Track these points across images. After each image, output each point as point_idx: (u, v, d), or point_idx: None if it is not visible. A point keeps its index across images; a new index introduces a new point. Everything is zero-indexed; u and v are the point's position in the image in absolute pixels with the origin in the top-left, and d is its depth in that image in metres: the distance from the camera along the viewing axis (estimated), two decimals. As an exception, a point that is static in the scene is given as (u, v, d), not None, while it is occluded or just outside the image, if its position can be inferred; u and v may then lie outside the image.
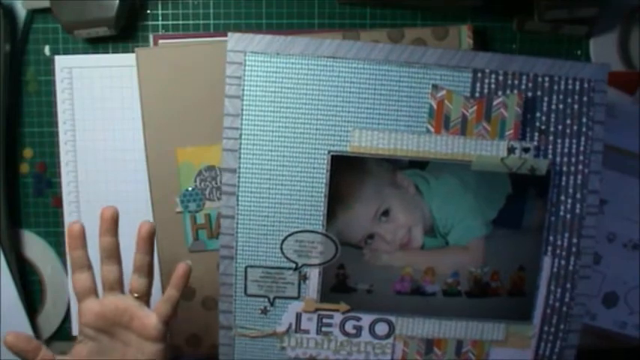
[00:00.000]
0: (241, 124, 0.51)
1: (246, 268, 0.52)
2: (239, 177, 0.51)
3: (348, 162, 0.51)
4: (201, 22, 0.61)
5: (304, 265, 0.52)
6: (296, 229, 0.52)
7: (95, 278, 0.50)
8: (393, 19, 0.61)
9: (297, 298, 0.53)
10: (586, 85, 0.52)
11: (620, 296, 0.62)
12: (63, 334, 0.63)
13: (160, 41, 0.60)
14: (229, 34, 0.50)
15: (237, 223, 0.52)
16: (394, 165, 0.53)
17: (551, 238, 0.53)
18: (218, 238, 0.57)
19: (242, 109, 0.51)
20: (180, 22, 0.61)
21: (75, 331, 0.63)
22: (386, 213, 0.54)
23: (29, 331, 0.62)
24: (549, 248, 0.53)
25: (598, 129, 0.52)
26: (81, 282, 0.49)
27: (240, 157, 0.51)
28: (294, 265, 0.52)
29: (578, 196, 0.53)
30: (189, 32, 0.61)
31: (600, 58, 0.60)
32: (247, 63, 0.50)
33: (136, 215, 0.61)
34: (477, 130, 0.52)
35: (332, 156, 0.51)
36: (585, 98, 0.52)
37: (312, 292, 0.53)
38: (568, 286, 0.53)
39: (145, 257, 0.50)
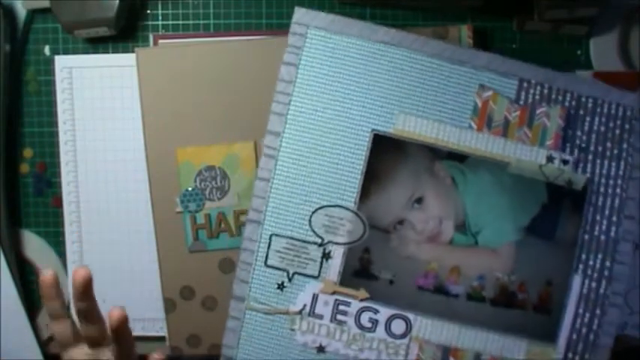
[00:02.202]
0: (292, 91, 0.52)
1: (271, 235, 0.53)
2: (282, 141, 0.52)
3: (390, 143, 0.52)
4: (201, 22, 0.61)
5: (330, 242, 0.52)
6: (327, 203, 0.52)
7: (75, 326, 0.47)
8: (393, 19, 0.61)
9: (317, 277, 0.53)
10: (628, 113, 0.53)
11: (620, 296, 0.62)
12: (63, 334, 0.63)
13: (160, 41, 0.60)
14: (296, 7, 0.53)
15: (271, 187, 0.52)
16: (433, 154, 0.53)
17: (583, 256, 0.52)
18: (218, 238, 0.58)
19: (296, 77, 0.52)
20: (180, 22, 0.61)
21: (75, 331, 0.63)
22: (419, 200, 0.53)
23: (29, 331, 0.62)
24: (580, 266, 0.52)
25: (637, 156, 0.53)
26: (60, 332, 0.46)
27: (285, 122, 0.52)
28: (319, 241, 0.52)
29: (614, 219, 0.52)
30: (189, 32, 0.61)
31: (600, 58, 0.60)
32: (309, 35, 0.53)
33: (136, 215, 0.61)
34: (518, 135, 0.53)
35: (375, 134, 0.52)
36: (627, 125, 0.53)
37: (333, 274, 0.53)
38: (597, 312, 0.52)
39: (86, 304, 0.45)
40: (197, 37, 0.61)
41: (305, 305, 0.53)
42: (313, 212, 0.52)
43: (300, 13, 0.53)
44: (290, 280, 0.53)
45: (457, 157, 0.53)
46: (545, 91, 0.53)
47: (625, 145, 0.53)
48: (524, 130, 0.52)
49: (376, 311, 0.53)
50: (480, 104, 0.52)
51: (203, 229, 0.58)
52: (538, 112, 0.52)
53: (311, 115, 0.53)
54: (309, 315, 0.53)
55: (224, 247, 0.58)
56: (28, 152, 0.62)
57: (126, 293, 0.62)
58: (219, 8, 0.61)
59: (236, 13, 0.61)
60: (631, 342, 0.63)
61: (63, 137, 0.61)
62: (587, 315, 0.52)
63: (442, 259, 0.53)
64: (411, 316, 0.53)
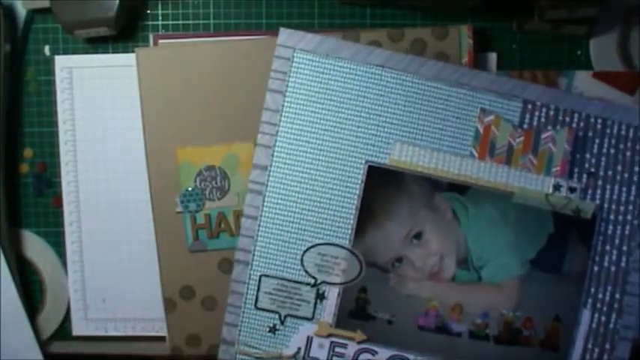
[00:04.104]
0: (279, 121, 0.49)
1: (260, 276, 0.50)
2: (269, 175, 0.49)
3: (385, 175, 0.49)
4: (201, 22, 0.61)
5: (324, 282, 0.50)
6: (320, 241, 0.49)
7: None
8: (393, 19, 0.61)
9: (311, 319, 0.50)
10: None
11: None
12: (63, 334, 0.63)
13: (160, 41, 0.60)
14: (281, 29, 0.49)
15: (259, 225, 0.50)
16: (433, 186, 0.50)
17: (592, 289, 0.50)
18: (218, 238, 0.57)
19: (283, 105, 0.49)
20: (180, 22, 0.61)
21: (75, 331, 0.63)
22: (418, 236, 0.50)
23: (29, 331, 0.62)
24: (589, 301, 0.50)
25: None
26: None
27: (273, 155, 0.49)
28: (312, 281, 0.50)
29: (625, 248, 0.49)
30: (189, 32, 0.61)
31: (600, 58, 0.60)
32: (295, 59, 0.49)
33: (136, 215, 0.61)
34: (523, 162, 0.49)
35: (369, 166, 0.49)
36: (638, 146, 0.50)
37: (328, 315, 0.50)
38: (607, 346, 0.50)
39: None
40: (197, 37, 0.61)
41: (299, 349, 0.50)
42: (305, 251, 0.50)
43: (284, 35, 0.49)
44: (282, 322, 0.50)
45: (458, 189, 0.50)
46: (552, 112, 0.50)
47: (636, 168, 0.50)
48: (529, 157, 0.49)
49: (375, 352, 0.50)
50: (481, 129, 0.49)
51: (203, 229, 0.58)
52: (544, 136, 0.49)
53: (300, 147, 0.49)
54: (304, 358, 0.51)
55: (224, 247, 0.58)
56: (28, 152, 0.62)
57: (126, 293, 0.62)
58: (219, 8, 0.61)
59: (236, 13, 0.61)
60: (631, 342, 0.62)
61: (63, 137, 0.61)
62: (597, 350, 0.50)
63: (443, 297, 0.50)
64: (411, 356, 0.50)
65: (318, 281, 0.50)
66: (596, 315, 0.50)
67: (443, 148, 0.49)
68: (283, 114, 0.49)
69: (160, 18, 0.61)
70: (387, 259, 0.51)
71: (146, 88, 0.58)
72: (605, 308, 0.50)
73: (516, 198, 0.49)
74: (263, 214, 0.50)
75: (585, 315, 0.50)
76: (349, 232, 0.49)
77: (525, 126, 0.50)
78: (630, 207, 0.50)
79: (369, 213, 0.50)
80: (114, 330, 0.63)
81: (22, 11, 0.61)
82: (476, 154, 0.50)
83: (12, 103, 0.62)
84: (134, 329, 0.63)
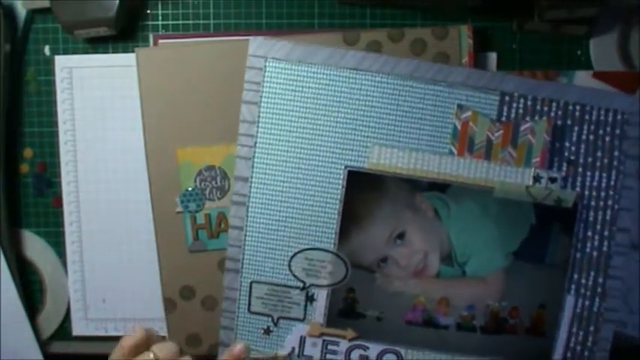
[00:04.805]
0: (257, 132, 0.49)
1: (251, 283, 0.51)
2: (251, 187, 0.50)
3: (365, 179, 0.49)
4: (201, 22, 0.61)
5: (312, 285, 0.50)
6: (306, 247, 0.50)
7: None
8: (393, 19, 0.61)
9: (303, 320, 0.51)
10: (619, 117, 0.50)
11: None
12: (63, 334, 0.63)
13: (160, 41, 0.60)
14: (251, 38, 0.49)
15: (246, 235, 0.50)
16: (413, 186, 0.50)
17: (575, 275, 0.50)
18: (218, 238, 0.57)
19: (259, 116, 0.49)
20: (180, 22, 0.61)
21: (75, 331, 0.63)
22: (401, 236, 0.51)
23: (29, 331, 0.62)
24: (573, 287, 0.50)
25: (630, 164, 0.50)
26: None
27: (253, 166, 0.49)
28: (301, 285, 0.50)
29: (606, 233, 0.50)
30: (189, 32, 0.61)
31: (600, 58, 0.60)
32: (267, 69, 0.49)
33: (136, 215, 0.61)
34: (502, 156, 0.49)
35: (349, 171, 0.49)
36: (618, 131, 0.50)
37: (319, 315, 0.51)
38: (591, 328, 0.50)
39: None
40: (197, 37, 0.61)
41: (293, 348, 0.51)
42: (292, 257, 0.50)
43: (255, 44, 0.49)
44: (276, 324, 0.51)
45: (439, 187, 0.50)
46: (529, 103, 0.49)
47: (616, 153, 0.50)
48: (508, 150, 0.49)
49: (366, 348, 0.51)
50: (459, 126, 0.49)
51: (203, 229, 0.58)
52: (523, 128, 0.49)
53: (279, 157, 0.49)
54: (298, 357, 0.52)
55: (224, 247, 0.58)
56: (28, 152, 0.62)
57: (126, 293, 0.62)
58: (219, 8, 0.61)
59: (236, 13, 0.61)
60: (631, 342, 0.63)
61: (63, 137, 0.61)
62: (582, 333, 0.51)
63: (429, 293, 0.51)
64: (401, 350, 0.51)
65: (307, 284, 0.51)
66: (580, 300, 0.50)
67: (421, 148, 0.49)
68: (260, 125, 0.49)
69: (160, 18, 0.61)
70: (372, 260, 0.51)
71: (146, 88, 0.58)
72: (588, 293, 0.50)
73: (497, 192, 0.49)
74: (248, 224, 0.50)
75: (569, 301, 0.50)
76: (333, 236, 0.50)
77: (503, 119, 0.49)
78: (611, 192, 0.50)
79: (351, 216, 0.50)
80: (114, 330, 0.63)
81: (22, 11, 0.61)
82: (455, 151, 0.49)
83: (12, 103, 0.62)
84: (134, 329, 0.63)
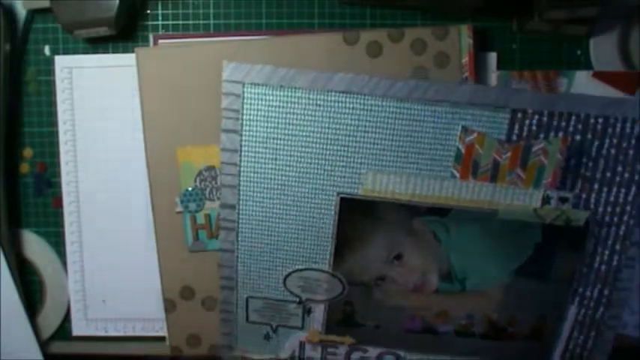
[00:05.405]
0: (240, 160, 0.47)
1: (247, 298, 0.50)
2: (239, 213, 0.48)
3: (359, 204, 0.47)
4: (201, 22, 0.61)
5: (308, 300, 0.50)
6: (300, 267, 0.49)
7: None
8: (393, 19, 0.60)
9: (301, 328, 0.50)
10: None
11: (620, 296, 0.62)
12: (63, 334, 0.63)
13: (160, 41, 0.60)
14: (224, 62, 0.45)
15: (237, 258, 0.49)
16: (411, 211, 0.47)
17: (580, 289, 0.48)
18: (218, 239, 0.57)
19: (241, 145, 0.46)
20: (180, 22, 0.61)
21: (75, 331, 0.63)
22: (399, 257, 0.50)
23: (29, 331, 0.62)
24: (577, 299, 0.48)
25: None
26: None
27: (239, 193, 0.47)
28: (297, 299, 0.50)
29: (618, 247, 0.47)
30: (189, 32, 0.61)
31: (600, 58, 0.60)
32: (246, 95, 0.46)
33: (136, 215, 0.61)
34: (510, 178, 0.46)
35: (341, 198, 0.47)
36: None
37: (317, 324, 0.50)
38: (592, 334, 0.49)
39: None
40: (197, 37, 0.61)
41: (294, 351, 0.51)
42: (287, 276, 0.49)
43: (229, 69, 0.46)
44: (275, 331, 0.51)
45: (438, 212, 0.47)
46: (545, 119, 0.45)
47: (638, 166, 0.46)
48: (516, 172, 0.46)
49: (365, 350, 0.51)
50: (463, 149, 0.45)
51: (203, 229, 0.58)
52: (535, 149, 0.45)
53: (266, 185, 0.47)
54: (299, 359, 0.51)
55: (224, 247, 0.58)
56: (28, 152, 0.62)
57: (126, 293, 0.62)
58: (219, 8, 0.61)
59: (236, 13, 0.61)
60: (631, 342, 0.63)
61: (63, 137, 0.61)
62: (582, 338, 0.49)
63: (428, 306, 0.51)
64: (400, 352, 0.51)
65: (303, 299, 0.50)
66: (583, 310, 0.48)
67: (420, 172, 0.46)
68: (243, 153, 0.47)
69: (160, 18, 0.61)
70: (369, 278, 0.51)
71: (146, 88, 0.58)
72: (592, 304, 0.48)
73: (501, 214, 0.46)
74: (239, 247, 0.49)
75: (571, 311, 0.49)
76: (328, 257, 0.48)
77: (514, 138, 0.45)
78: (628, 207, 0.46)
79: (346, 240, 0.48)
80: (114, 330, 0.63)
81: (22, 11, 0.61)
82: (457, 175, 0.46)
83: (12, 103, 0.62)
84: (134, 329, 0.63)
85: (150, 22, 0.61)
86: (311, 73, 0.45)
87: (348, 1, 0.60)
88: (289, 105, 0.45)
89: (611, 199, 0.46)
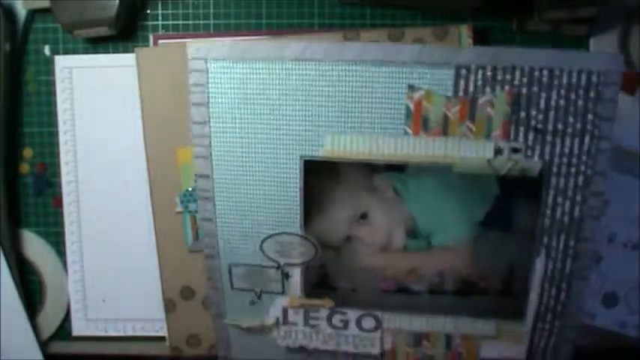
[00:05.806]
0: (210, 131, 0.49)
1: (229, 265, 0.52)
2: (213, 183, 0.50)
3: (322, 166, 0.49)
4: (201, 22, 0.61)
5: (286, 264, 0.52)
6: (273, 232, 0.51)
7: None
8: (393, 19, 0.61)
9: (282, 293, 0.53)
10: (594, 79, 0.46)
11: (619, 296, 0.62)
12: (63, 334, 0.63)
13: (160, 41, 0.60)
14: (187, 43, 0.49)
15: (217, 226, 0.51)
16: (371, 168, 0.50)
17: (545, 240, 0.49)
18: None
19: (209, 117, 0.49)
20: (180, 22, 0.61)
21: (75, 331, 0.63)
22: (364, 216, 0.52)
23: (29, 331, 0.62)
24: (543, 250, 0.49)
25: (606, 126, 0.47)
26: None
27: (212, 163, 0.50)
28: (275, 264, 0.52)
29: (579, 198, 0.48)
30: (189, 32, 0.61)
31: (600, 58, 0.60)
32: (210, 70, 0.48)
33: (136, 215, 0.61)
34: (461, 130, 0.47)
35: (304, 161, 0.49)
36: (592, 93, 0.46)
37: (295, 289, 0.53)
38: (564, 286, 0.50)
39: None
40: (197, 37, 0.61)
41: (278, 317, 0.54)
42: (263, 241, 0.51)
43: (192, 49, 0.48)
44: (259, 297, 0.53)
45: (397, 167, 0.50)
46: (489, 73, 0.46)
47: (590, 117, 0.46)
48: (466, 124, 0.47)
49: (345, 313, 0.53)
50: (412, 107, 0.47)
51: (203, 229, 0.58)
52: (481, 102, 0.47)
53: (235, 153, 0.49)
54: (283, 324, 0.54)
55: (224, 247, 0.58)
56: (28, 152, 0.62)
57: (126, 293, 0.62)
58: (219, 8, 0.61)
59: (236, 13, 0.61)
60: (631, 342, 0.63)
61: (63, 137, 0.61)
62: (554, 290, 0.50)
63: (398, 265, 0.53)
64: (378, 313, 0.52)
65: (281, 263, 0.52)
66: (550, 262, 0.49)
67: (375, 131, 0.48)
68: (212, 125, 0.49)
69: (160, 18, 0.61)
70: (337, 240, 0.53)
71: (146, 88, 0.58)
72: (559, 255, 0.49)
73: (456, 168, 0.47)
74: (217, 215, 0.51)
75: (539, 263, 0.49)
76: (298, 221, 0.50)
77: (460, 93, 0.47)
78: (584, 157, 0.47)
79: (313, 202, 0.51)
80: (114, 330, 0.63)
81: (22, 11, 0.61)
82: (410, 132, 0.48)
83: (12, 103, 0.62)
84: (134, 329, 0.63)
85: (150, 22, 0.61)
86: (266, 44, 0.49)
87: (348, 1, 0.60)
88: (249, 76, 0.48)
89: (566, 149, 0.47)
